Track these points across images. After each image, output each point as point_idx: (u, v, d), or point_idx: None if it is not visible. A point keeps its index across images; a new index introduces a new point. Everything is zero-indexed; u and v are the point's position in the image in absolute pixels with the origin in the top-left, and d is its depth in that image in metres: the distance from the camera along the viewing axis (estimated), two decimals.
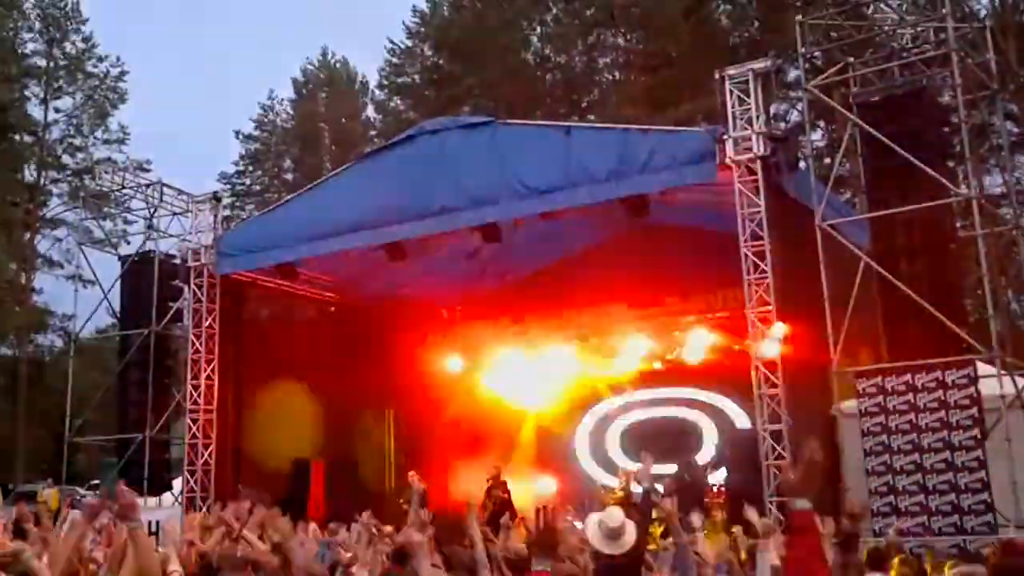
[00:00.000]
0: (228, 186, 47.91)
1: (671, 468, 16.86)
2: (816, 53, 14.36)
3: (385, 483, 20.57)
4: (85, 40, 43.71)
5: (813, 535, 4.62)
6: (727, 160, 13.49)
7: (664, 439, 18.18)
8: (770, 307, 13.04)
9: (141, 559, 5.38)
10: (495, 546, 8.08)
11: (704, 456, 17.77)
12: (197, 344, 17.91)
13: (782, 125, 22.26)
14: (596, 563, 4.87)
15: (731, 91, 13.74)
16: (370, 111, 50.57)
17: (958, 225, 13.33)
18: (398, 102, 46.58)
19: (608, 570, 4.78)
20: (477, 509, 8.12)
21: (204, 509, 16.50)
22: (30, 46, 43.00)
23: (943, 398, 11.62)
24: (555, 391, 20.13)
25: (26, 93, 42.57)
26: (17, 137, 42.07)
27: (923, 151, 12.24)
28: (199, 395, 17.77)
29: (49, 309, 41.16)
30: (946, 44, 12.57)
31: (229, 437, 18.01)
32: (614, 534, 4.63)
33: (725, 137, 13.55)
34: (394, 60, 46.05)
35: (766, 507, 12.09)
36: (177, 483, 18.30)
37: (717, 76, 14.10)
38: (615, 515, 4.82)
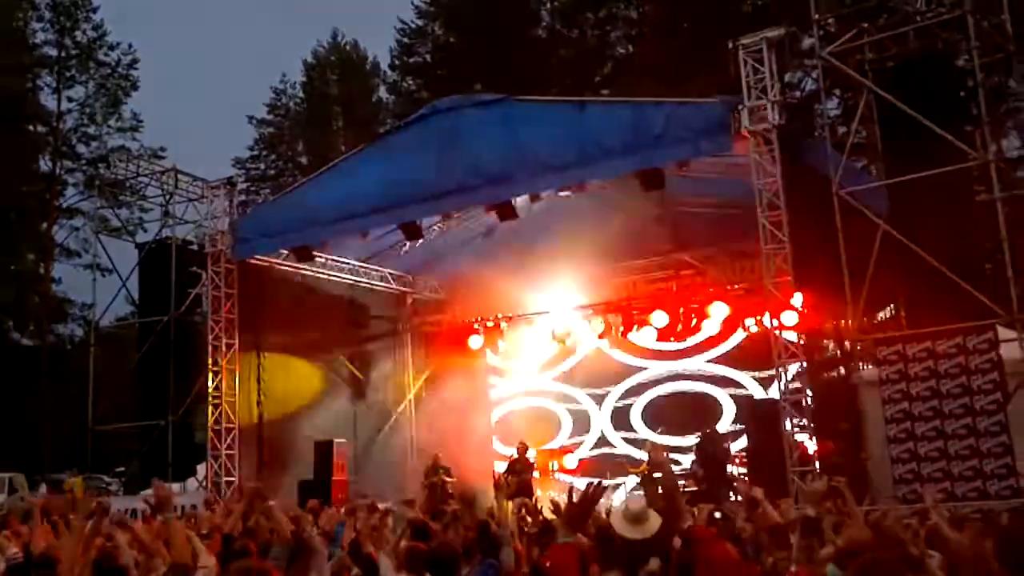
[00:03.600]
0: (243, 171, 47.86)
1: (692, 439, 16.98)
2: (830, 20, 14.19)
3: (407, 464, 20.65)
4: (96, 28, 43.60)
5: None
6: (742, 130, 13.42)
7: (684, 412, 18.30)
8: (788, 277, 13.02)
9: (175, 553, 5.43)
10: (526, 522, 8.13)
11: (723, 427, 17.76)
12: (217, 329, 18.00)
13: (797, 94, 22.03)
14: (617, 544, 4.84)
15: (745, 61, 13.64)
16: (382, 92, 50.45)
17: (976, 189, 13.22)
18: (410, 82, 46.42)
19: (629, 551, 4.75)
20: (501, 485, 8.15)
21: (228, 493, 16.67)
22: (41, 36, 42.96)
23: (964, 363, 11.59)
24: (575, 366, 20.18)
25: (38, 83, 42.63)
26: (31, 127, 42.13)
27: (940, 116, 12.15)
28: (220, 380, 17.89)
29: (68, 298, 41.40)
30: (961, 6, 12.43)
31: (251, 421, 18.14)
32: (637, 519, 4.62)
33: (740, 107, 13.46)
34: (405, 40, 45.89)
35: (787, 475, 12.12)
36: (201, 468, 18.43)
37: (731, 46, 14.02)
38: (638, 500, 4.80)
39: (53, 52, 43.11)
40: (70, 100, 43.22)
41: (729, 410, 18.28)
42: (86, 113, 43.52)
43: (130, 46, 44.06)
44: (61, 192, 42.81)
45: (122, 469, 24.62)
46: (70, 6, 43.14)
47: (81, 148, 43.35)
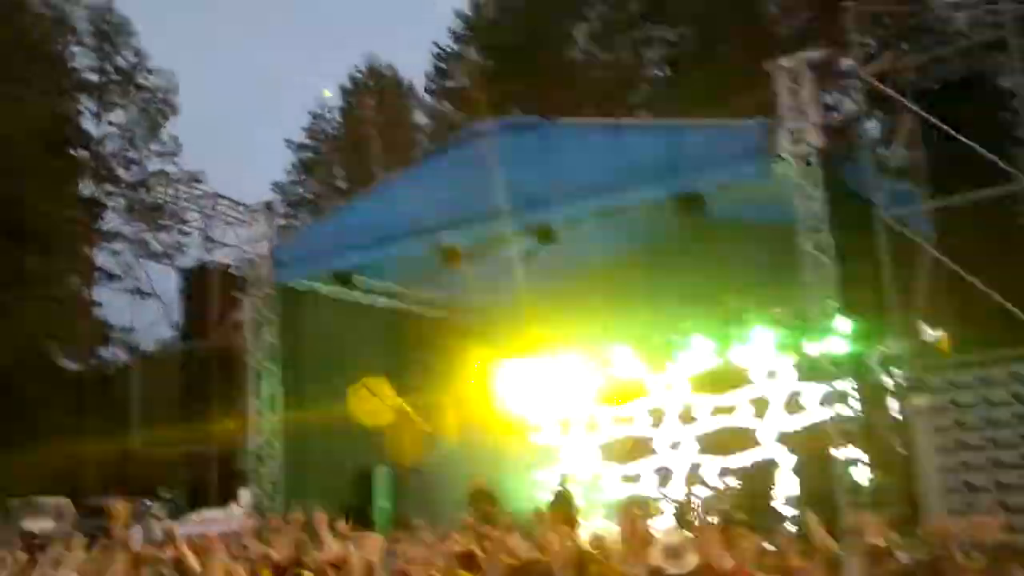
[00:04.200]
0: (282, 195, 48.26)
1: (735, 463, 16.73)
2: (870, 41, 14.06)
3: (452, 489, 20.54)
4: (136, 54, 44.31)
5: None
6: (782, 153, 13.28)
7: (726, 441, 17.99)
8: (832, 301, 12.83)
9: None
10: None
11: (766, 454, 17.47)
12: (258, 354, 18.05)
13: (837, 115, 21.86)
14: None
15: (784, 82, 13.51)
16: (418, 116, 50.70)
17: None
18: (446, 106, 46.64)
19: None
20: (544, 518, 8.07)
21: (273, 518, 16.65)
22: (82, 61, 43.68)
23: (1018, 391, 11.33)
24: (615, 392, 19.97)
25: (80, 107, 43.26)
26: (73, 151, 42.72)
27: (984, 137, 11.96)
28: (262, 405, 17.91)
29: (110, 322, 41.83)
30: (1003, 27, 12.26)
31: (293, 447, 18.11)
32: (676, 553, 4.53)
33: (780, 129, 13.33)
34: (441, 64, 46.17)
35: (839, 505, 11.89)
36: (243, 493, 18.43)
37: (769, 67, 13.88)
38: (676, 534, 4.72)
39: (94, 77, 43.81)
40: (111, 124, 43.91)
41: (769, 436, 17.97)
42: (126, 137, 44.19)
43: (169, 71, 44.73)
44: (101, 216, 43.36)
45: (166, 494, 24.79)
46: (111, 32, 43.80)
47: (121, 172, 43.99)
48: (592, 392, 20.11)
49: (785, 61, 13.69)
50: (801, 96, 13.38)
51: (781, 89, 13.49)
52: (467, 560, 7.31)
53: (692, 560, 4.50)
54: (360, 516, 15.96)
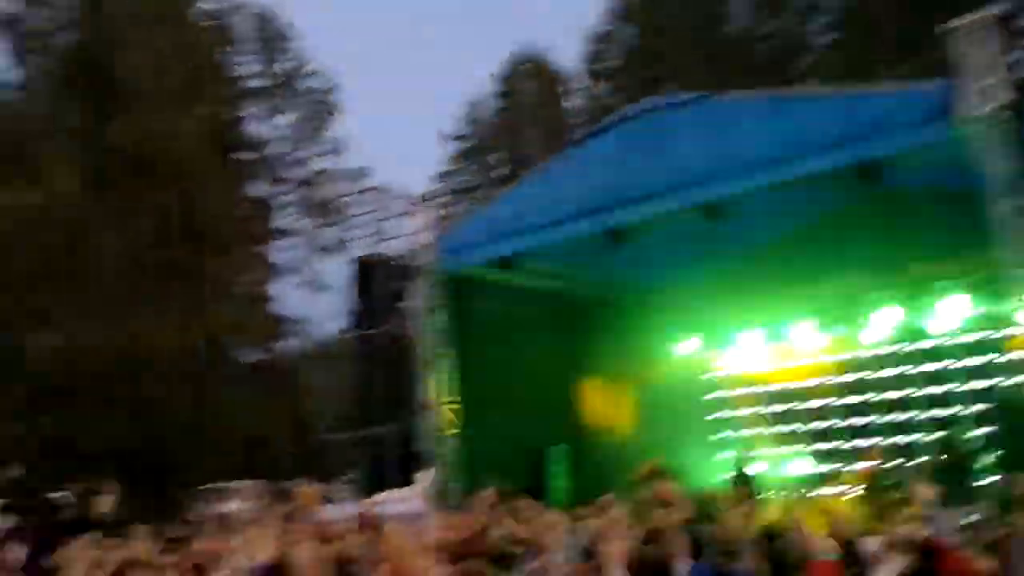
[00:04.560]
0: (444, 184, 49.04)
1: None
2: None
3: (625, 468, 20.48)
4: (297, 57, 45.81)
5: None
6: (968, 113, 12.58)
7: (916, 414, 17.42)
8: None
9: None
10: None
11: (966, 428, 16.75)
12: (428, 340, 18.35)
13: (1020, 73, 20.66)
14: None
15: (962, 42, 12.81)
16: (574, 98, 50.59)
17: None
18: (602, 86, 46.38)
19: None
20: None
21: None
22: (246, 68, 45.46)
23: None
24: (798, 368, 19.51)
25: (247, 112, 45.04)
26: (242, 155, 44.52)
27: None
28: (436, 389, 18.22)
29: (286, 316, 43.49)
30: None
31: (467, 428, 18.34)
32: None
33: (965, 89, 12.64)
34: (595, 46, 45.89)
35: None
36: (422, 476, 18.84)
37: (946, 27, 13.20)
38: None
39: (259, 83, 45.52)
40: (276, 127, 45.55)
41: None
42: (292, 138, 45.77)
43: (329, 71, 46.05)
44: (275, 215, 45.08)
45: (347, 477, 25.67)
46: (273, 38, 45.42)
47: (290, 172, 45.59)
48: (774, 369, 19.76)
49: (962, 19, 12.99)
50: (985, 54, 12.65)
51: (964, 47, 12.78)
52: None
53: None
54: (536, 495, 16.07)
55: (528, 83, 51.64)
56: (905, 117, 13.08)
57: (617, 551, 5.83)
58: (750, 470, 18.07)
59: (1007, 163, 12.29)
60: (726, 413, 20.54)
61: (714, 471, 19.05)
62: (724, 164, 14.78)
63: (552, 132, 47.53)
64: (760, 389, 20.07)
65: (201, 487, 28.36)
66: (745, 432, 19.72)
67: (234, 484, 28.75)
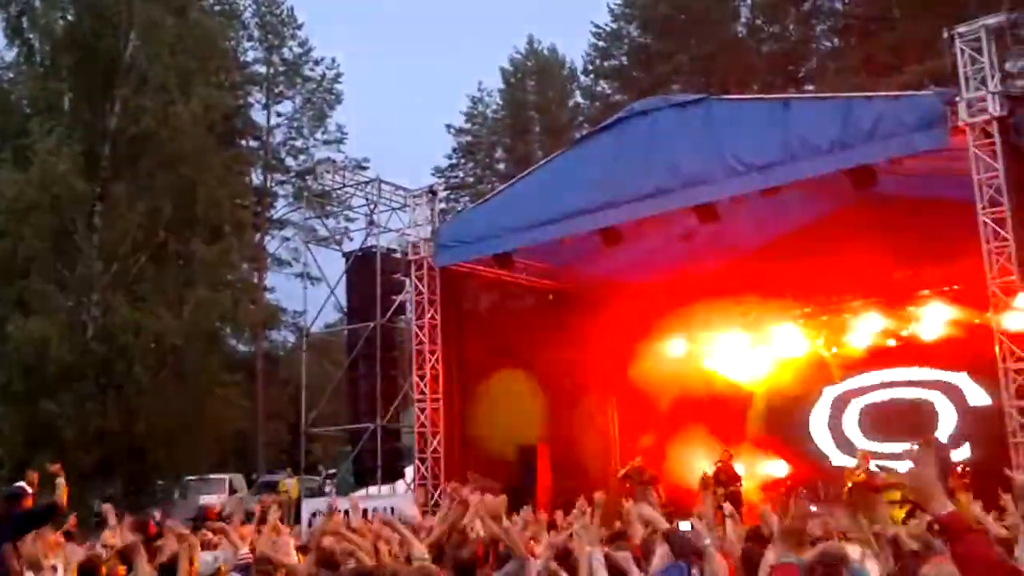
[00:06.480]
0: (443, 179, 48.94)
1: (908, 447, 16.12)
2: None
3: (610, 468, 20.60)
4: (301, 45, 45.61)
5: None
6: (960, 123, 12.74)
7: (901, 419, 17.42)
8: (1013, 276, 12.27)
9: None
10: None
11: (943, 435, 16.83)
12: (420, 335, 18.47)
13: (1019, 83, 20.72)
14: None
15: (962, 50, 12.97)
16: (577, 97, 50.57)
17: None
18: (605, 86, 46.35)
19: None
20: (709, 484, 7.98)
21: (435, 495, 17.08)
22: (251, 54, 45.30)
23: None
24: (782, 372, 19.57)
25: (249, 100, 44.90)
26: (244, 142, 44.37)
27: None
28: (425, 385, 18.32)
29: (280, 306, 43.48)
30: None
31: (456, 425, 18.46)
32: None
33: (957, 99, 12.79)
34: (600, 43, 45.83)
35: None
36: (408, 471, 18.91)
37: (946, 35, 13.34)
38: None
39: (262, 69, 45.40)
40: (278, 115, 45.47)
41: (947, 417, 17.29)
42: (294, 127, 45.70)
43: (333, 60, 45.92)
44: (272, 204, 44.97)
45: (333, 471, 25.63)
46: (277, 24, 45.24)
47: (289, 161, 45.56)
48: (760, 371, 19.81)
49: (963, 27, 13.14)
50: (980, 64, 12.80)
51: (959, 57, 12.93)
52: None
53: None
54: (523, 492, 16.20)
55: (532, 79, 51.58)
56: (898, 125, 13.21)
57: (591, 551, 5.91)
58: (732, 469, 18.01)
59: (994, 174, 12.43)
60: (712, 413, 20.54)
61: (696, 470, 19.09)
62: (721, 166, 14.91)
63: (556, 130, 47.54)
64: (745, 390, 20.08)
65: (186, 477, 28.36)
66: (729, 432, 19.70)
67: (218, 476, 28.73)
